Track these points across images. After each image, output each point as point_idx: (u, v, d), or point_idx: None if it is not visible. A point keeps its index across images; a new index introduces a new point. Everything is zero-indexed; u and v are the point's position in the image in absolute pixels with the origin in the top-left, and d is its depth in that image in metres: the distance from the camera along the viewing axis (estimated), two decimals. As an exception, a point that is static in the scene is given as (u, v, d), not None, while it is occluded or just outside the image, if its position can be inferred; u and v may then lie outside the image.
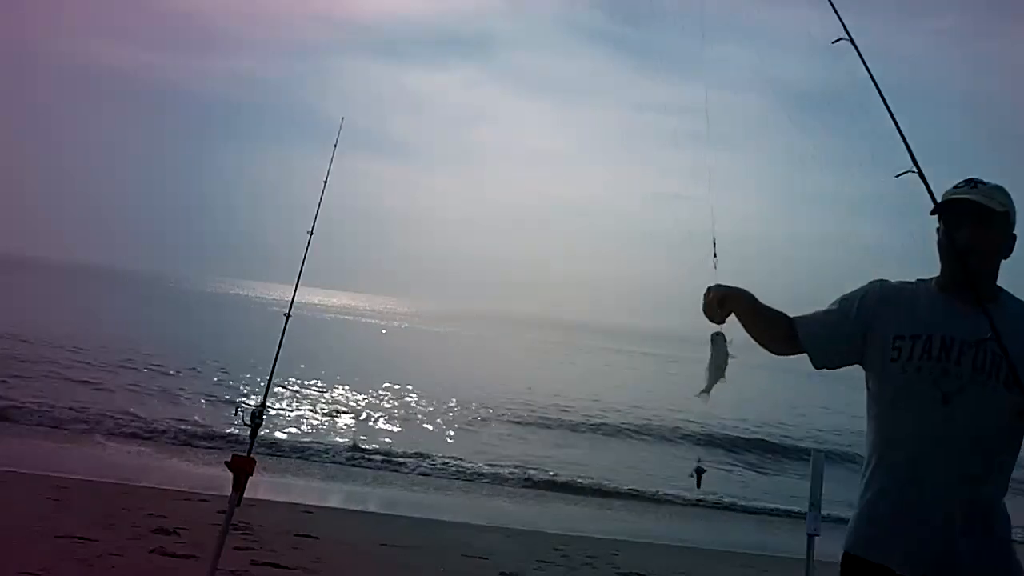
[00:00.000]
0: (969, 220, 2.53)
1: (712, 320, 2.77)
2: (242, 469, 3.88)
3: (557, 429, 20.99)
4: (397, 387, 24.61)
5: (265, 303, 66.95)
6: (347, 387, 23.65)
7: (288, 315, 4.31)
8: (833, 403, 29.51)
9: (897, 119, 2.62)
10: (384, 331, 67.40)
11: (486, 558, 7.84)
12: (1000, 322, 2.47)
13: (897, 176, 2.58)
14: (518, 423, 21.15)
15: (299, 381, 22.78)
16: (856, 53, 2.70)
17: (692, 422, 21.56)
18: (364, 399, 22.27)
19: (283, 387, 20.89)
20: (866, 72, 2.66)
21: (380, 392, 23.69)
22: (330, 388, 23.22)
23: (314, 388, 22.71)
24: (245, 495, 3.93)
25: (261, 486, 10.18)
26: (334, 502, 11.25)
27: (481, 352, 53.17)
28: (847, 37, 2.71)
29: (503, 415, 22.01)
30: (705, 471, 3.23)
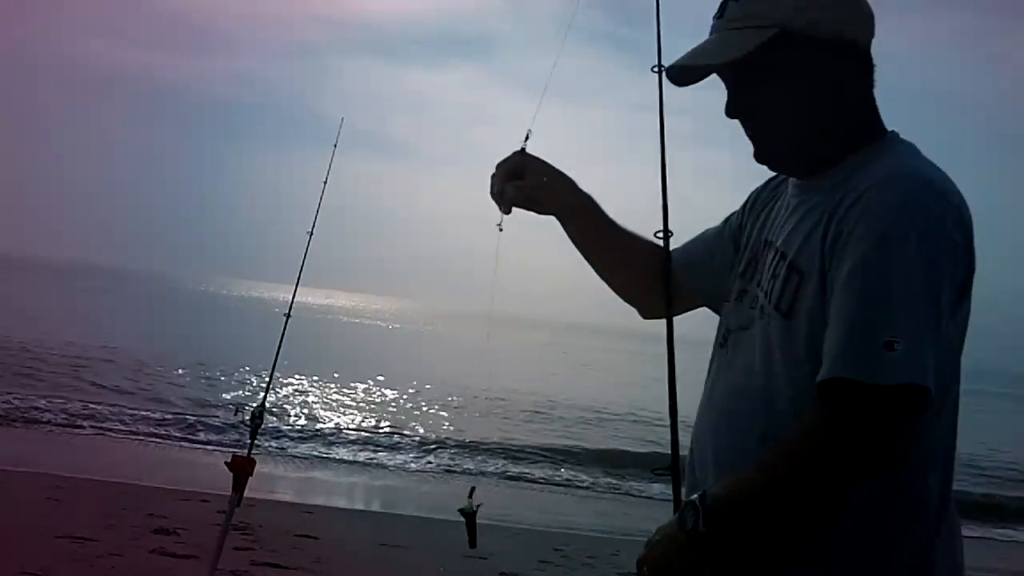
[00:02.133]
0: (726, 82, 1.53)
1: (499, 206, 1.77)
2: (242, 469, 3.87)
3: (557, 428, 20.99)
4: (398, 386, 24.59)
5: (265, 303, 66.96)
6: (348, 387, 23.65)
7: (288, 315, 4.31)
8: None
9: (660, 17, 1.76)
10: (392, 327, 67.40)
11: (486, 558, 7.83)
12: (812, 204, 1.45)
13: (652, 69, 1.67)
14: (517, 421, 21.15)
15: (300, 381, 22.79)
16: None
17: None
18: (365, 398, 22.28)
19: (283, 387, 20.90)
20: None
21: (381, 391, 23.70)
22: (331, 388, 23.22)
23: (315, 388, 22.71)
24: (245, 495, 3.93)
25: (261, 486, 10.19)
26: (334, 502, 11.24)
27: (480, 352, 53.14)
28: None
29: (505, 414, 22.00)
30: (476, 509, 1.93)
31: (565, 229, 1.80)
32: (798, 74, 1.44)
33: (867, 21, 1.47)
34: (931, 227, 1.31)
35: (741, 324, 1.52)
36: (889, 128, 1.52)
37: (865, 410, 1.25)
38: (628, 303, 1.83)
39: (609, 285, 1.84)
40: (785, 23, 1.41)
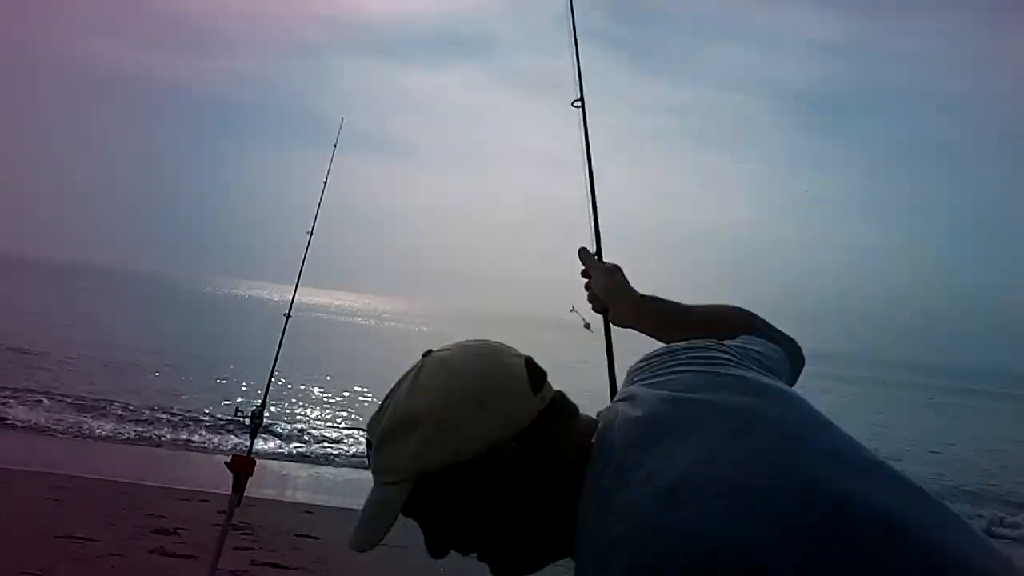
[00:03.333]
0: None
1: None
2: (242, 469, 3.87)
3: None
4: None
5: (265, 303, 66.93)
6: (347, 386, 23.64)
7: (288, 315, 4.31)
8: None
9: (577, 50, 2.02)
10: (395, 327, 67.30)
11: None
12: None
13: (574, 104, 2.00)
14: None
15: (300, 381, 22.79)
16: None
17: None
18: (365, 398, 22.27)
19: (283, 387, 20.89)
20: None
21: (380, 391, 23.61)
22: (330, 388, 23.22)
23: (314, 388, 22.71)
24: (245, 495, 3.93)
25: (261, 486, 10.18)
26: (334, 502, 11.25)
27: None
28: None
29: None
30: None
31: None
32: (461, 501, 1.22)
33: (513, 399, 1.22)
34: None
35: None
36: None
37: None
38: None
39: None
40: (413, 471, 1.21)
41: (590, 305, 1.87)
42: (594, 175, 1.92)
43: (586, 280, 1.87)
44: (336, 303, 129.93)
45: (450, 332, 77.40)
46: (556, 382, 1.27)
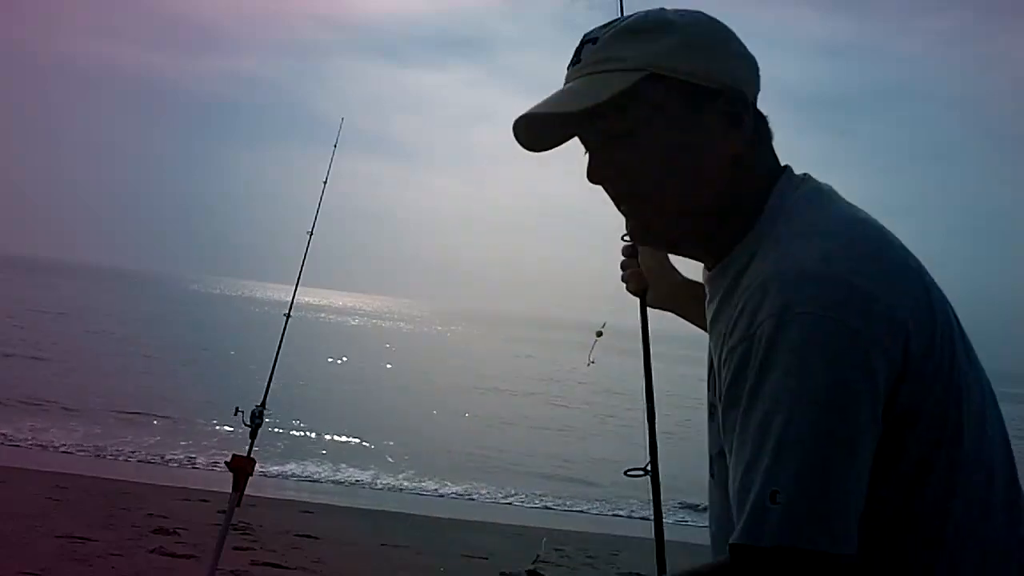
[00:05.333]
0: (586, 144, 1.26)
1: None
2: (242, 469, 3.87)
3: (550, 428, 21.00)
4: (398, 386, 24.56)
5: (264, 303, 66.91)
6: (348, 387, 23.64)
7: (288, 315, 4.32)
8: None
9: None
10: (396, 327, 67.34)
11: (486, 558, 7.84)
12: (718, 308, 1.24)
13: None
14: (513, 422, 21.15)
15: (301, 381, 22.80)
16: None
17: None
18: (365, 398, 22.27)
19: (283, 387, 20.88)
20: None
21: (380, 391, 23.68)
22: (331, 388, 23.22)
23: (316, 388, 22.71)
24: (245, 495, 3.92)
25: (262, 486, 10.18)
26: (334, 502, 11.25)
27: (477, 351, 53.26)
28: None
29: (502, 414, 22.01)
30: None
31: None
32: (672, 127, 1.19)
33: (754, 70, 1.25)
34: (815, 345, 1.05)
35: (718, 450, 1.23)
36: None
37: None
38: None
39: None
40: (654, 65, 1.17)
41: (625, 286, 1.81)
42: None
43: (624, 259, 1.80)
44: (336, 303, 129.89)
45: (451, 333, 77.48)
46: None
